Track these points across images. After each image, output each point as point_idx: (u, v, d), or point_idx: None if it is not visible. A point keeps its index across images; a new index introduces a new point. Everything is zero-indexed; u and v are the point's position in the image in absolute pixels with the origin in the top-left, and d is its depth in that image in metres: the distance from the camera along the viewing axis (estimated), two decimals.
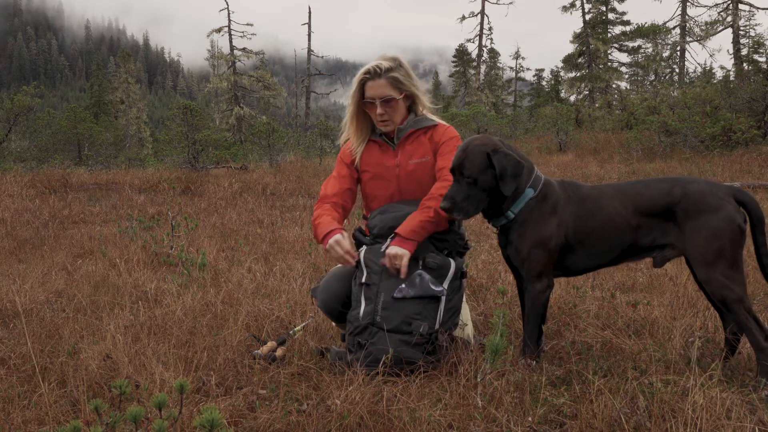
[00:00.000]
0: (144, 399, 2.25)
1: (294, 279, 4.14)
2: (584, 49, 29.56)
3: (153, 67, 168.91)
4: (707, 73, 30.23)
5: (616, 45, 30.32)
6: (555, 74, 34.44)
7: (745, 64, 22.09)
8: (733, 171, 10.70)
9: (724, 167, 11.16)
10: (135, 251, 5.30)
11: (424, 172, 2.78)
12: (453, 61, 37.64)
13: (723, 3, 26.13)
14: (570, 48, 30.41)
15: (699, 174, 10.67)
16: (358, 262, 2.66)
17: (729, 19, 25.70)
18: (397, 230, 2.62)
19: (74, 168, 14.81)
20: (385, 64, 2.73)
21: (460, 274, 2.67)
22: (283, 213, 8.15)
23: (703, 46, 27.54)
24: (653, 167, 12.06)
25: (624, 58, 31.15)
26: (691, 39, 27.79)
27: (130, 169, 15.76)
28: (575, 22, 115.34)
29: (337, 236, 2.64)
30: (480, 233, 6.09)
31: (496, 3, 33.75)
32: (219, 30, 29.46)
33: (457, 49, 36.99)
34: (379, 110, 2.73)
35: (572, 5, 29.92)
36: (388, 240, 2.64)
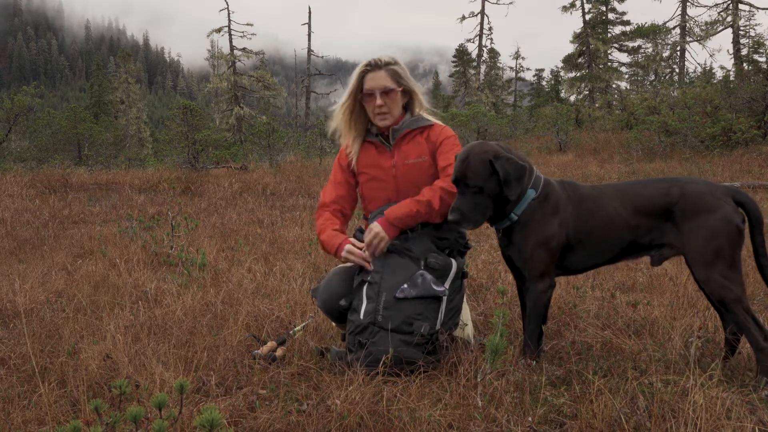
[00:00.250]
0: (144, 399, 2.25)
1: (294, 279, 4.14)
2: (584, 49, 29.56)
3: (153, 67, 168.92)
4: (707, 73, 30.24)
5: (616, 45, 30.33)
6: (555, 74, 34.46)
7: (745, 64, 22.09)
8: (733, 171, 10.70)
9: (724, 167, 11.16)
10: (135, 251, 5.30)
11: (421, 172, 2.78)
12: (453, 61, 37.65)
13: (723, 3, 26.14)
14: (570, 48, 30.45)
15: (699, 174, 10.67)
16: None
17: (729, 19, 25.71)
18: (386, 212, 2.63)
19: (74, 168, 14.82)
20: (386, 59, 2.78)
21: (461, 275, 2.68)
22: (283, 213, 8.15)
23: (703, 46, 27.55)
24: (653, 167, 12.06)
25: (624, 58, 31.20)
26: (691, 39, 27.80)
27: (130, 169, 15.77)
28: (575, 22, 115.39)
29: (348, 246, 2.68)
30: (480, 233, 6.09)
31: (496, 3, 33.76)
32: (219, 30, 29.46)
33: (457, 49, 37.01)
34: (378, 101, 2.74)
35: (572, 5, 29.93)
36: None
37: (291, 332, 2.91)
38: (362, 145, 2.88)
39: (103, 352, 2.72)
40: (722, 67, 31.07)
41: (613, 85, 29.43)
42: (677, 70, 29.22)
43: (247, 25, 29.83)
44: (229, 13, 29.34)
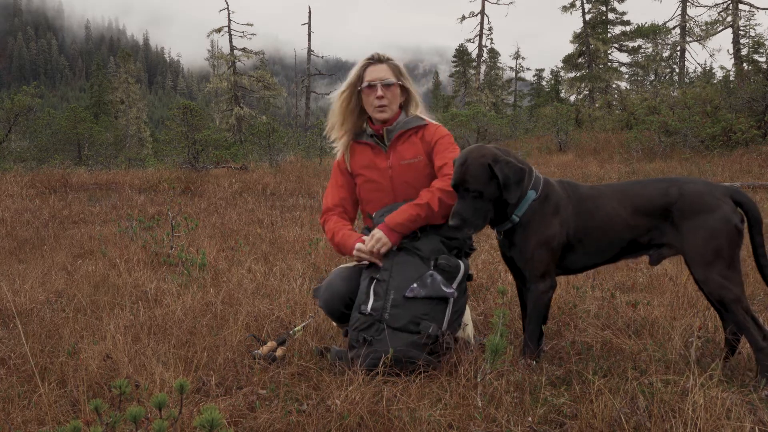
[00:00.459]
0: (144, 399, 2.25)
1: (294, 279, 4.14)
2: (584, 49, 29.56)
3: (153, 67, 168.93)
4: (707, 73, 30.25)
5: (616, 45, 30.33)
6: (555, 74, 34.46)
7: (745, 64, 22.09)
8: (733, 171, 10.70)
9: (724, 167, 11.16)
10: (135, 251, 5.30)
11: (417, 172, 2.79)
12: (453, 61, 37.65)
13: (723, 3, 26.14)
14: (570, 48, 30.45)
15: (699, 174, 10.67)
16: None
17: (729, 19, 25.70)
18: (386, 219, 2.64)
19: (74, 168, 14.81)
20: (387, 55, 2.82)
21: (467, 277, 2.68)
22: (283, 213, 8.15)
23: (703, 46, 27.54)
24: (653, 167, 12.06)
25: (624, 58, 31.20)
26: (691, 39, 27.79)
27: (130, 169, 15.77)
28: (575, 22, 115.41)
29: (358, 245, 2.70)
30: (480, 233, 6.09)
31: (496, 3, 33.76)
32: (219, 30, 29.46)
33: (457, 49, 37.00)
34: (379, 92, 2.75)
35: (572, 5, 29.93)
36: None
37: (291, 332, 2.91)
38: (357, 147, 2.89)
39: (103, 352, 2.72)
40: (722, 67, 31.11)
41: (613, 85, 29.43)
42: (677, 70, 29.23)
43: (247, 25, 29.85)
44: (229, 13, 29.35)
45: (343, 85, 2.86)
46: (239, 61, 29.94)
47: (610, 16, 29.97)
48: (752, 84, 15.04)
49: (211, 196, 10.12)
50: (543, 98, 33.44)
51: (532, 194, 2.51)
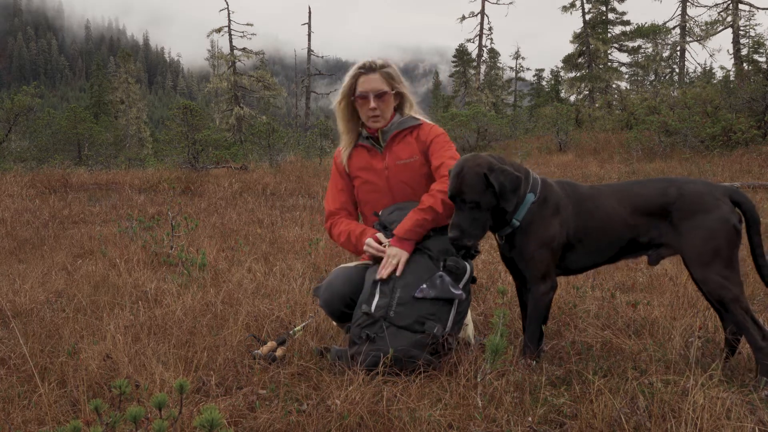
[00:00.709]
0: (144, 399, 2.25)
1: (294, 279, 4.14)
2: (584, 49, 29.56)
3: (153, 67, 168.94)
4: (707, 73, 30.26)
5: (616, 45, 30.32)
6: (555, 74, 34.46)
7: (745, 64, 22.09)
8: (733, 171, 10.70)
9: (724, 167, 11.16)
10: (135, 251, 5.30)
11: (413, 172, 2.79)
12: (453, 61, 37.65)
13: (723, 3, 26.14)
14: (570, 48, 30.45)
15: (699, 174, 10.67)
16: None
17: (729, 19, 25.70)
18: (395, 231, 2.63)
19: (74, 168, 14.81)
20: (379, 61, 2.79)
21: (471, 279, 2.68)
22: (283, 213, 8.15)
23: (703, 46, 27.54)
24: (653, 167, 12.06)
25: (624, 58, 31.21)
26: (691, 39, 27.79)
27: (130, 169, 15.77)
28: (575, 22, 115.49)
29: (368, 240, 2.71)
30: None
31: (496, 3, 33.76)
32: (219, 30, 29.46)
33: (457, 49, 37.00)
34: (372, 104, 2.75)
35: (572, 5, 29.93)
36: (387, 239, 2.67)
37: (291, 332, 2.91)
38: (354, 149, 2.90)
39: (103, 352, 2.72)
40: (722, 67, 31.12)
41: (613, 85, 29.43)
42: (677, 70, 29.23)
43: (247, 25, 29.85)
44: (229, 13, 29.35)
45: (339, 95, 2.85)
46: (239, 61, 29.95)
47: (610, 16, 29.97)
48: (752, 84, 15.04)
49: (211, 196, 10.12)
50: (543, 98, 33.44)
51: (530, 197, 2.51)
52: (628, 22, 29.86)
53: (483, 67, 35.92)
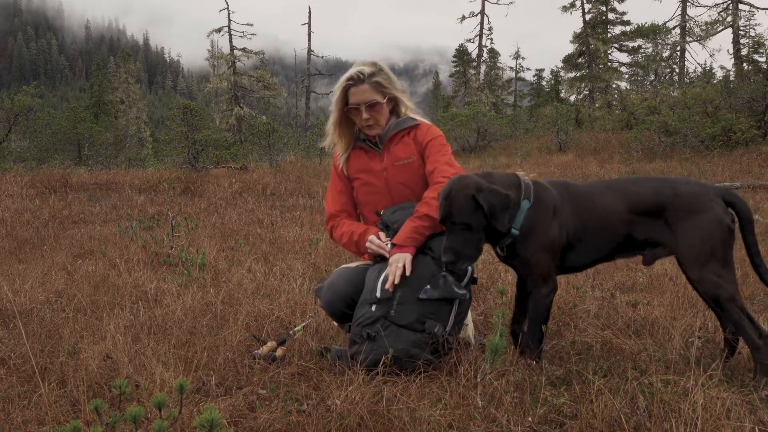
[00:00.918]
0: (144, 399, 2.25)
1: (294, 279, 4.14)
2: (584, 49, 29.56)
3: (153, 67, 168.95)
4: (707, 73, 30.25)
5: (616, 45, 30.33)
6: (555, 74, 34.46)
7: (745, 64, 22.10)
8: (733, 171, 10.70)
9: (724, 167, 11.16)
10: (135, 251, 5.30)
11: (411, 172, 2.79)
12: (453, 61, 37.65)
13: (723, 3, 26.14)
14: (570, 48, 30.45)
15: (699, 174, 10.67)
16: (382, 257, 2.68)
17: (729, 19, 25.70)
18: (393, 240, 2.64)
19: (74, 168, 14.81)
20: (367, 70, 2.74)
21: (472, 280, 2.68)
22: (283, 213, 8.15)
23: (703, 46, 27.55)
24: (653, 167, 12.06)
25: (624, 58, 31.20)
26: (691, 39, 27.79)
27: (130, 169, 15.77)
28: (575, 22, 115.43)
29: (371, 237, 2.72)
30: None
31: (496, 3, 33.76)
32: (219, 30, 29.46)
33: (457, 49, 37.00)
34: (364, 115, 2.74)
35: (572, 5, 29.93)
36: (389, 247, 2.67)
37: (291, 332, 2.91)
38: (352, 152, 2.90)
39: (103, 352, 2.72)
40: (722, 67, 31.11)
41: (613, 85, 29.44)
42: (677, 70, 29.23)
43: (247, 25, 29.85)
44: (229, 13, 29.35)
45: (332, 106, 2.84)
46: (239, 61, 29.95)
47: (610, 16, 29.97)
48: (752, 84, 15.04)
49: (211, 196, 10.12)
50: (543, 98, 33.45)
51: (525, 204, 2.50)
52: (628, 22, 29.87)
53: (483, 67, 35.93)
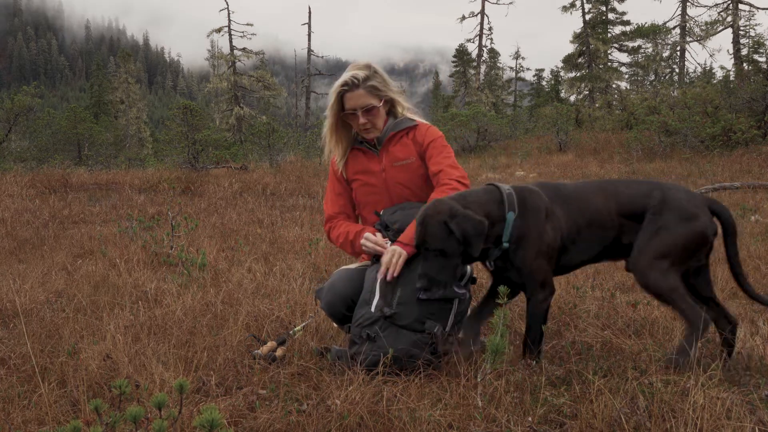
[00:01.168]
0: (144, 399, 2.25)
1: (294, 279, 4.14)
2: (584, 49, 29.56)
3: (153, 67, 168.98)
4: (707, 73, 30.25)
5: (616, 45, 30.34)
6: (555, 74, 34.48)
7: (745, 64, 22.11)
8: (733, 171, 10.70)
9: (724, 167, 11.16)
10: (135, 251, 5.30)
11: (410, 173, 2.78)
12: (453, 61, 37.65)
13: (723, 3, 26.14)
14: (570, 48, 30.46)
15: (699, 174, 10.67)
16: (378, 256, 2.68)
17: (729, 19, 25.71)
18: (399, 238, 2.63)
19: (74, 168, 14.81)
20: (361, 74, 2.72)
21: (471, 280, 2.68)
22: (283, 213, 8.15)
23: (703, 46, 27.56)
24: (653, 167, 12.06)
25: (624, 58, 31.21)
26: (691, 39, 27.80)
27: (130, 169, 15.76)
28: (575, 22, 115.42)
29: (366, 234, 2.70)
30: None
31: (496, 3, 33.76)
32: (219, 30, 29.47)
33: (457, 49, 37.01)
34: (361, 120, 2.73)
35: (572, 5, 29.93)
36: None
37: (291, 332, 2.91)
38: (350, 153, 2.90)
39: (103, 352, 2.72)
40: (722, 67, 31.11)
41: (613, 85, 29.44)
42: (677, 70, 29.24)
43: (247, 25, 29.85)
44: (229, 13, 29.35)
45: (327, 112, 2.82)
46: (239, 61, 29.95)
47: (610, 16, 29.98)
48: (752, 84, 15.05)
49: (211, 196, 10.12)
50: (543, 98, 33.46)
51: (510, 216, 2.45)
52: (628, 22, 29.88)
53: (483, 67, 35.93)
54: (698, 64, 51.61)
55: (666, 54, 29.38)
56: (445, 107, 34.19)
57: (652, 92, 21.54)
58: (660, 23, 28.35)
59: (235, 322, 3.09)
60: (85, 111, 20.20)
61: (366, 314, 2.56)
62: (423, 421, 2.02)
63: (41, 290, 4.10)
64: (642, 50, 29.78)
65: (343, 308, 2.72)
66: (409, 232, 2.61)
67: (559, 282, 3.76)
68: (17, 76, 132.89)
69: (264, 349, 2.70)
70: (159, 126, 46.42)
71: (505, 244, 2.47)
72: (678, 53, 28.72)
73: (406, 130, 2.82)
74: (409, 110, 2.88)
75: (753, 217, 6.45)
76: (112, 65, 65.07)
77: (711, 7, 26.56)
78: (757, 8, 25.59)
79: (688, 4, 27.58)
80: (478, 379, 2.27)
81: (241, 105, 29.44)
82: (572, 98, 30.52)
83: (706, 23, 26.78)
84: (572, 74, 30.36)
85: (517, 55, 40.50)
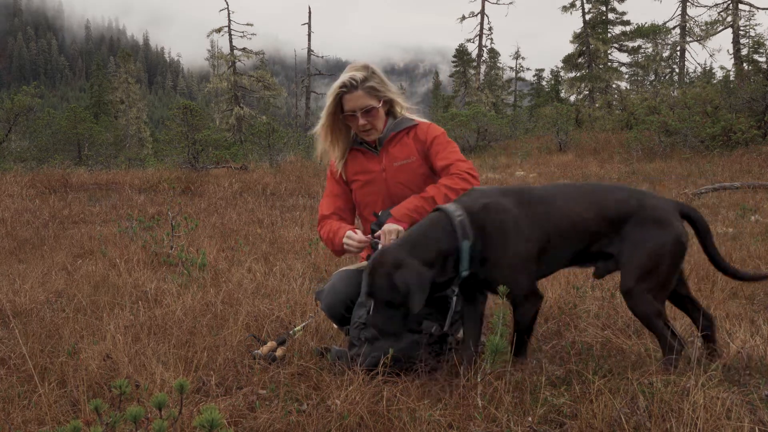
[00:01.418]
0: (144, 399, 2.25)
1: (294, 279, 4.14)
2: (584, 49, 29.56)
3: (153, 67, 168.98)
4: (707, 73, 30.25)
5: (616, 45, 30.33)
6: (555, 74, 34.46)
7: (745, 64, 22.11)
8: (733, 171, 10.70)
9: (724, 167, 11.17)
10: (135, 251, 5.30)
11: (411, 172, 2.77)
12: (453, 61, 37.64)
13: (723, 3, 26.13)
14: (570, 48, 30.45)
15: (699, 174, 10.68)
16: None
17: (729, 19, 25.70)
18: (392, 211, 2.62)
19: (74, 168, 14.81)
20: (359, 75, 2.70)
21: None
22: (283, 213, 8.15)
23: (703, 46, 27.55)
24: (653, 167, 12.06)
25: (624, 58, 31.19)
26: (691, 39, 27.80)
27: (130, 169, 15.76)
28: (575, 22, 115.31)
29: (348, 233, 2.67)
30: None
31: (496, 3, 33.75)
32: (219, 30, 29.46)
33: (457, 49, 37.00)
34: (361, 121, 2.71)
35: (572, 5, 29.93)
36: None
37: (291, 332, 2.91)
38: (349, 154, 2.88)
39: (103, 352, 2.72)
40: (722, 67, 31.16)
41: (613, 85, 29.44)
42: (677, 70, 29.23)
43: (247, 25, 29.84)
44: (229, 13, 29.35)
45: (323, 115, 2.79)
46: (239, 61, 29.94)
47: (610, 16, 29.97)
48: (752, 84, 15.06)
49: (211, 196, 10.12)
50: (543, 98, 33.45)
51: (465, 244, 2.35)
52: (628, 22, 29.87)
53: (483, 67, 35.93)
54: (698, 64, 51.69)
55: (666, 54, 29.39)
56: (445, 107, 34.18)
57: (652, 92, 21.54)
58: (660, 23, 28.36)
59: (235, 322, 3.09)
60: (85, 111, 20.20)
61: (364, 315, 2.56)
62: (423, 421, 2.02)
63: (41, 290, 4.10)
64: (642, 50, 29.79)
65: (343, 310, 2.72)
66: (404, 208, 2.60)
67: (559, 282, 3.76)
68: (17, 76, 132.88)
69: (264, 349, 2.70)
70: (159, 126, 46.41)
71: (464, 273, 2.37)
72: (678, 53, 28.72)
73: (406, 130, 2.82)
74: (408, 110, 2.87)
75: (753, 217, 6.45)
76: (112, 65, 65.04)
77: (711, 7, 26.57)
78: (757, 8, 25.60)
79: (688, 4, 27.57)
80: (478, 379, 2.27)
81: (241, 105, 29.44)
82: (572, 98, 30.52)
83: (706, 23, 26.78)
84: (572, 74, 30.36)
85: (517, 55, 40.50)
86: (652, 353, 2.55)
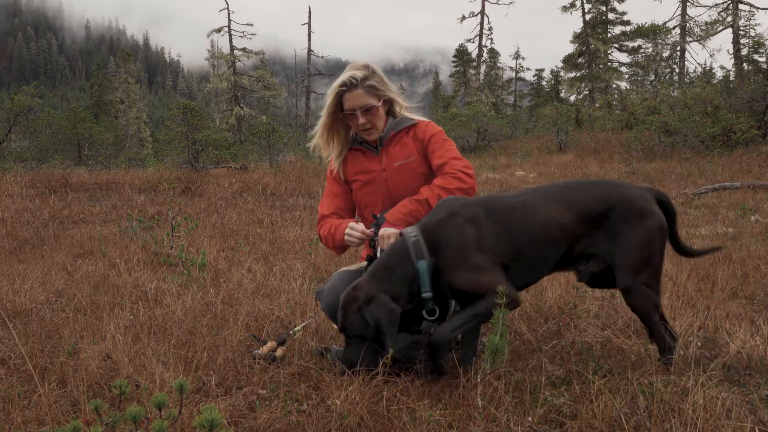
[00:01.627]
0: (144, 399, 2.25)
1: (294, 279, 4.14)
2: (584, 49, 29.56)
3: (153, 67, 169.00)
4: (707, 73, 30.24)
5: (616, 45, 30.32)
6: (555, 74, 34.47)
7: (745, 64, 22.11)
8: (733, 171, 10.70)
9: (724, 167, 11.17)
10: (135, 251, 5.30)
11: (411, 172, 2.78)
12: (453, 61, 37.63)
13: (723, 3, 26.13)
14: (570, 48, 30.45)
15: (699, 174, 10.68)
16: (373, 257, 2.67)
17: (729, 19, 25.70)
18: (386, 215, 2.63)
19: (74, 168, 14.81)
20: (359, 74, 2.70)
21: None
22: (283, 213, 8.15)
23: (703, 46, 27.54)
24: (653, 167, 12.06)
25: (624, 58, 31.20)
26: (691, 39, 27.79)
27: (130, 169, 15.76)
28: (575, 22, 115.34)
29: (350, 223, 2.68)
30: None
31: (496, 3, 33.75)
32: (219, 30, 29.45)
33: (457, 49, 36.99)
34: (361, 120, 2.71)
35: (572, 5, 29.93)
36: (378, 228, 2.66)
37: (291, 332, 2.91)
38: (348, 154, 2.88)
39: (103, 352, 2.72)
40: (722, 67, 31.13)
41: (613, 85, 29.44)
42: (677, 70, 29.23)
43: (247, 25, 29.84)
44: (229, 13, 29.35)
45: (323, 114, 2.79)
46: (239, 61, 29.94)
47: (610, 16, 29.97)
48: (752, 84, 15.06)
49: (211, 196, 10.12)
50: (543, 98, 33.46)
51: (422, 265, 2.32)
52: (628, 22, 29.86)
53: (483, 67, 35.92)
54: (698, 64, 51.66)
55: (666, 54, 29.38)
56: (445, 107, 34.18)
57: (652, 92, 21.54)
58: (660, 23, 28.36)
59: (235, 322, 3.09)
60: (85, 111, 20.20)
61: None
62: (423, 421, 2.02)
63: (41, 290, 4.10)
64: (642, 50, 29.79)
65: None
66: (397, 212, 2.61)
67: (559, 282, 3.76)
68: (17, 76, 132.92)
69: (264, 349, 2.70)
70: (159, 126, 46.41)
71: (426, 295, 2.33)
72: (678, 53, 28.71)
73: (406, 129, 2.82)
74: (407, 109, 2.87)
75: (753, 217, 6.45)
76: (112, 65, 65.06)
77: (711, 7, 26.56)
78: (757, 8, 25.59)
79: (688, 4, 27.57)
80: (478, 379, 2.27)
81: (241, 105, 29.44)
82: (572, 98, 30.52)
83: (706, 23, 26.78)
84: (572, 74, 30.35)
85: (517, 55, 40.49)
86: (652, 353, 2.55)
